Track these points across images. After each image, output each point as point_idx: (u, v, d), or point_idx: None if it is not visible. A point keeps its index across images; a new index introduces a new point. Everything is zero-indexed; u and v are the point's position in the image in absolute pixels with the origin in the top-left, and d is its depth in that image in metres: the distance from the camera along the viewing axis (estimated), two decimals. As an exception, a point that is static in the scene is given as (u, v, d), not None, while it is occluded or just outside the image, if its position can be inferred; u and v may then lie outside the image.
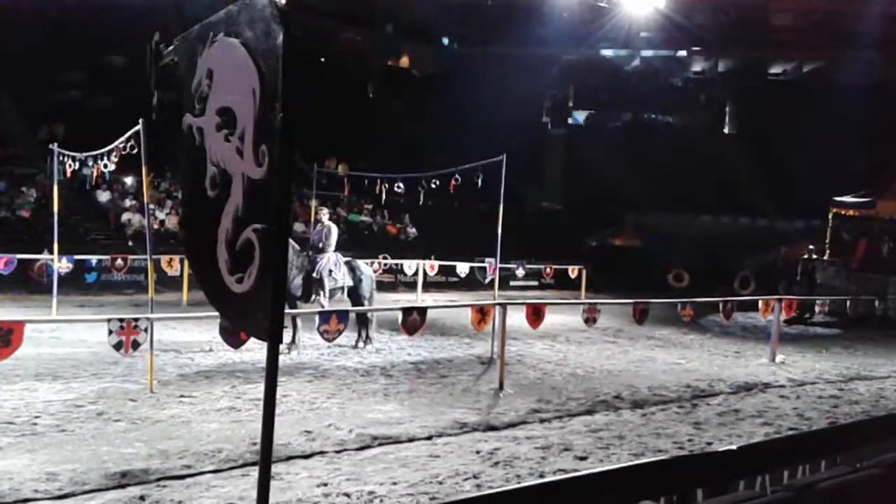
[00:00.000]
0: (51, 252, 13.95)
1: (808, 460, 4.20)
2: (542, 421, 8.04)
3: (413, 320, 9.06)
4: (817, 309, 17.91)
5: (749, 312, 16.26)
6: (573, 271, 21.55)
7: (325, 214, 12.68)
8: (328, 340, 8.84)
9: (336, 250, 11.88)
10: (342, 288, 11.78)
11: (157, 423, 7.23)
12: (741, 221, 28.14)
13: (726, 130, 30.26)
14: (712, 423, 8.26)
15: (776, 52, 29.88)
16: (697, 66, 31.85)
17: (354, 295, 11.91)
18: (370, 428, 7.30)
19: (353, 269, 11.97)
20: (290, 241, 11.62)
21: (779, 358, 12.60)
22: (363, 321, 11.82)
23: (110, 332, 7.55)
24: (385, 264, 21.73)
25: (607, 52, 30.13)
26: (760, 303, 13.05)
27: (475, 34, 28.19)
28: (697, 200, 27.75)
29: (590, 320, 10.77)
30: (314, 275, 11.45)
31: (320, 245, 11.73)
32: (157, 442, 6.57)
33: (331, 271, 11.60)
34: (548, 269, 22.34)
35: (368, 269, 12.54)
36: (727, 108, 30.61)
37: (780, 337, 13.09)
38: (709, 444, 7.33)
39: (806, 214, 24.89)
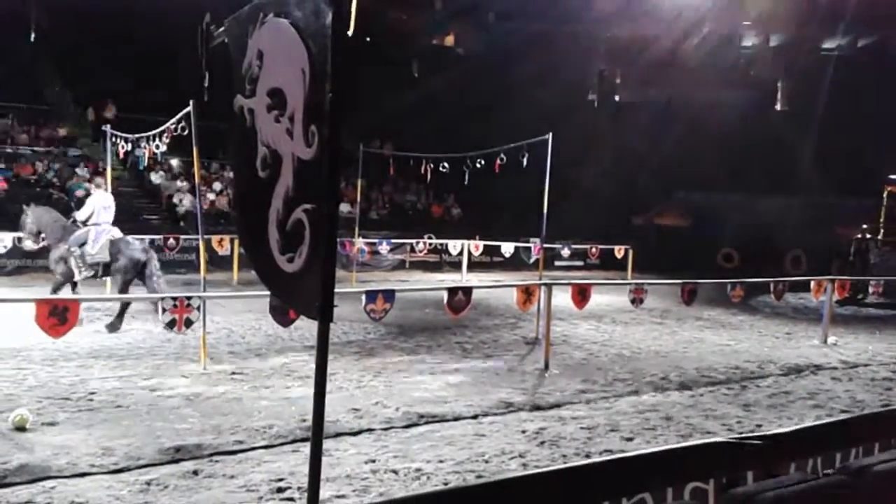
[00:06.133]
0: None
1: (862, 443, 4.12)
2: (587, 401, 8.02)
3: (458, 300, 9.08)
4: (871, 289, 17.48)
5: (800, 293, 15.96)
6: (619, 251, 21.36)
7: (95, 185, 12.13)
8: (375, 320, 8.88)
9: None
10: (98, 264, 11.10)
11: (210, 399, 7.38)
12: (793, 200, 27.53)
13: (777, 107, 29.51)
14: (762, 405, 8.15)
15: (829, 27, 29.03)
16: (748, 42, 31.10)
17: (109, 273, 11.28)
18: (416, 406, 7.37)
19: (115, 248, 11.12)
20: (58, 213, 11.50)
21: (831, 339, 12.37)
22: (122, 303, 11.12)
23: (164, 310, 7.71)
24: (430, 244, 21.81)
25: (655, 28, 29.57)
26: (812, 283, 12.79)
27: (521, 11, 27.87)
28: (747, 179, 27.21)
29: (636, 301, 10.68)
30: (69, 248, 11.03)
31: (85, 218, 11.27)
32: (210, 418, 6.72)
33: (83, 244, 11.03)
34: (593, 250, 22.17)
35: (133, 250, 11.21)
36: (778, 85, 29.84)
37: (832, 318, 12.84)
38: (758, 426, 7.24)
39: (860, 193, 24.27)
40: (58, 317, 6.94)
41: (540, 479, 3.13)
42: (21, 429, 6.16)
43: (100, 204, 11.40)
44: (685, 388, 8.78)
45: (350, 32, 3.28)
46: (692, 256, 23.83)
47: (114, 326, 10.74)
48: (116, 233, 11.39)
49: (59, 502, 4.85)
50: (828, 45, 30.09)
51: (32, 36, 23.72)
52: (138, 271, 11.09)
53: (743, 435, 6.23)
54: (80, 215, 11.37)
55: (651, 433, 6.89)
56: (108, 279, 11.50)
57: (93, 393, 7.41)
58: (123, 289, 11.03)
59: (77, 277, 11.15)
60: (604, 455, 5.98)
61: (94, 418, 6.63)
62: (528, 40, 27.73)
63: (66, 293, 10.90)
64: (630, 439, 6.68)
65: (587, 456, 6.09)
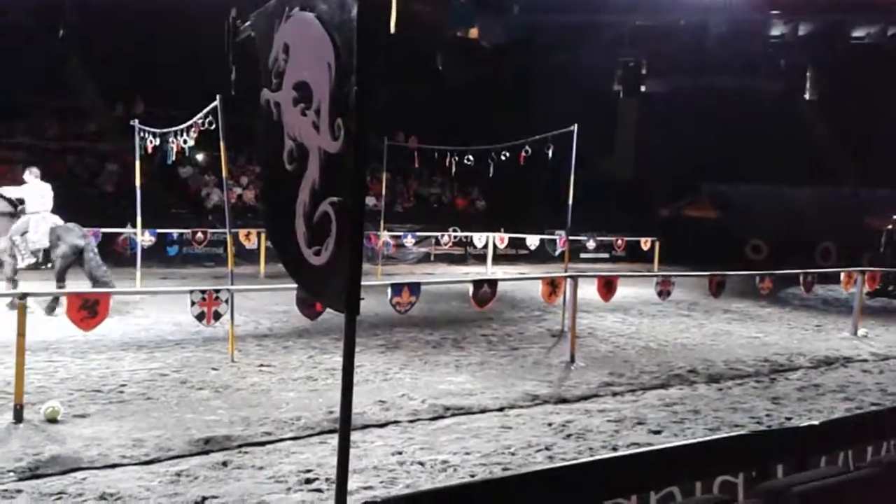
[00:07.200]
0: (134, 226, 14.43)
1: (893, 437, 4.07)
2: (614, 394, 7.98)
3: (484, 293, 9.05)
4: (902, 281, 17.21)
5: (830, 285, 15.77)
6: (646, 243, 21.22)
7: (32, 174, 12.00)
8: (400, 313, 8.87)
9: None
10: (39, 251, 11.42)
11: (239, 391, 7.45)
12: (822, 191, 27.19)
13: (807, 96, 29.12)
14: (791, 398, 8.08)
15: (859, 15, 28.56)
16: (776, 31, 30.70)
17: (50, 258, 11.54)
18: (442, 399, 7.38)
19: (55, 234, 11.42)
20: (5, 203, 11.64)
21: (861, 331, 12.22)
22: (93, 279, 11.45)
23: (193, 303, 7.75)
24: (455, 237, 21.80)
25: (681, 17, 29.27)
26: (842, 275, 12.63)
27: (545, 2, 27.71)
28: (776, 169, 26.90)
29: (663, 293, 10.59)
30: (11, 237, 11.35)
31: (20, 207, 11.56)
32: (239, 409, 6.78)
33: (24, 233, 11.36)
34: (619, 241, 22.05)
35: (73, 236, 11.54)
36: (807, 74, 29.44)
37: (862, 310, 12.67)
38: (788, 419, 7.18)
39: (890, 183, 23.88)
40: (88, 310, 7.01)
41: (568, 472, 3.13)
42: (53, 420, 6.25)
43: (34, 192, 11.68)
44: (713, 381, 8.72)
45: (392, 29, 3.30)
46: (719, 248, 23.61)
47: (51, 308, 10.96)
48: (57, 220, 11.70)
49: (91, 493, 4.92)
50: (857, 33, 29.65)
51: (62, 32, 23.95)
52: (77, 256, 11.47)
53: (772, 428, 6.19)
54: (5, 191, 11.76)
55: (679, 426, 6.85)
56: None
57: (123, 385, 7.50)
58: (61, 274, 11.42)
59: (20, 264, 11.45)
60: (631, 448, 5.96)
61: (125, 410, 6.71)
62: (553, 32, 27.58)
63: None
64: (658, 432, 6.64)
65: (614, 449, 6.07)
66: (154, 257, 16.67)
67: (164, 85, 21.60)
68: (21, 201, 11.71)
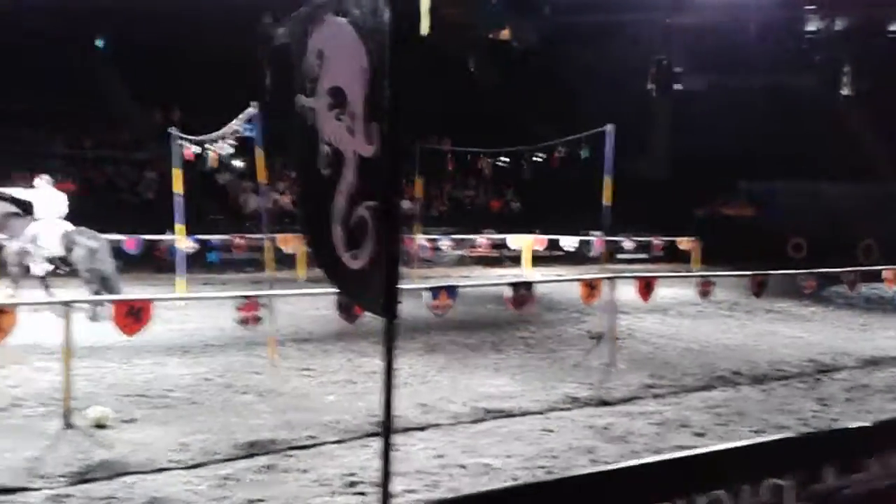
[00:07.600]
0: (173, 233, 14.59)
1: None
2: (656, 396, 7.90)
3: (521, 295, 9.01)
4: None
5: (873, 283, 15.44)
6: (685, 244, 20.97)
7: (43, 180, 12.06)
8: (438, 316, 8.84)
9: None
10: (54, 258, 11.44)
11: (281, 395, 7.51)
12: (862, 187, 26.65)
13: (844, 92, 28.61)
14: (838, 398, 7.92)
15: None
16: (812, 26, 30.25)
17: (68, 264, 11.49)
18: (482, 401, 7.36)
19: (68, 239, 11.38)
20: (13, 207, 11.72)
21: (908, 330, 11.96)
22: (105, 286, 11.29)
23: (235, 308, 7.82)
24: (491, 239, 21.76)
25: (716, 15, 28.96)
26: (886, 272, 12.36)
27: (577, 2, 27.60)
28: (815, 166, 26.45)
29: (704, 293, 10.46)
30: (23, 245, 11.40)
31: (33, 213, 11.64)
32: (282, 413, 6.83)
33: (36, 240, 11.36)
34: (657, 242, 21.79)
35: (89, 241, 11.42)
36: (845, 69, 28.96)
37: (908, 308, 12.41)
38: (834, 420, 7.04)
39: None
40: (133, 316, 7.10)
41: (615, 475, 3.09)
42: (101, 426, 6.34)
43: (43, 199, 11.80)
44: (757, 382, 8.59)
45: (425, 31, 3.32)
46: (758, 247, 23.26)
47: (94, 315, 10.60)
48: (67, 226, 11.74)
49: (140, 498, 4.99)
50: (895, 27, 29.14)
51: (98, 41, 24.37)
52: (94, 257, 11.37)
53: (822, 430, 6.07)
54: (10, 191, 11.98)
55: (723, 428, 6.75)
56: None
57: (169, 390, 7.59)
58: (97, 278, 11.23)
59: (35, 272, 11.56)
60: (676, 451, 5.87)
61: (171, 415, 6.80)
62: (585, 31, 27.47)
63: (38, 294, 11.27)
64: (702, 435, 6.56)
65: (658, 452, 6.00)
66: (195, 263, 16.84)
67: (200, 92, 21.82)
68: (29, 205, 11.86)
